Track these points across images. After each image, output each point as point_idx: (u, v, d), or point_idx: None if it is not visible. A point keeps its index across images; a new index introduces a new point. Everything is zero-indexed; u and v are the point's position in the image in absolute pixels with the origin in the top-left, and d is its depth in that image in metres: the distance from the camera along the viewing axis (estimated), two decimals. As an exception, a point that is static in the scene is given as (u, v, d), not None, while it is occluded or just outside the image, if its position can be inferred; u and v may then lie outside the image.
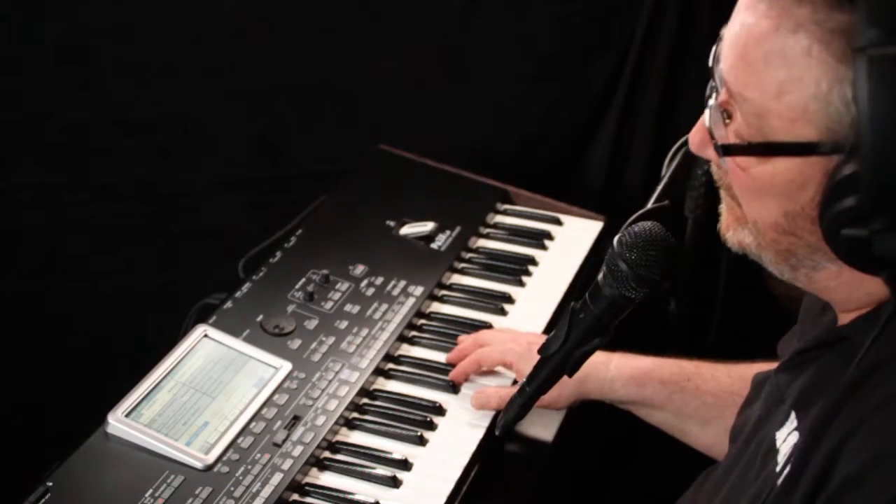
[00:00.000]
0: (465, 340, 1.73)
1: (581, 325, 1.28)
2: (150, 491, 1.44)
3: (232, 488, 1.46)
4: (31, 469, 1.49)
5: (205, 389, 1.59)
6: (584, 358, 1.30)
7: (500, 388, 1.65)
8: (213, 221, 2.40)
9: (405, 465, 1.55)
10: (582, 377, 1.58)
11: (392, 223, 1.99)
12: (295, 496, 1.50)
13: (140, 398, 1.55)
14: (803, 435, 1.05)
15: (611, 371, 1.60)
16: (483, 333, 1.75)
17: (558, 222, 2.07)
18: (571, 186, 2.51)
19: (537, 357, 1.34)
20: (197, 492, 1.45)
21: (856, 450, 0.96)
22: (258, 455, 1.51)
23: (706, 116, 1.10)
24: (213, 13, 2.27)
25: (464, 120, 2.48)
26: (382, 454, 1.57)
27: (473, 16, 2.40)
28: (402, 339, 1.78)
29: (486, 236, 2.04)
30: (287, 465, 1.51)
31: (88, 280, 2.35)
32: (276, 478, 1.48)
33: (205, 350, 1.65)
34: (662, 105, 2.45)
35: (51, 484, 1.43)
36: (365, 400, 1.67)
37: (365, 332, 1.74)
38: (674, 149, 1.67)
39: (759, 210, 1.08)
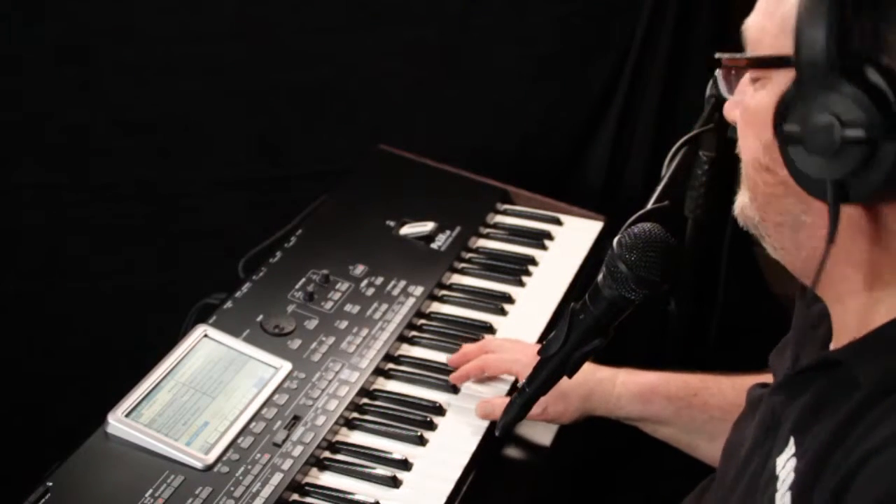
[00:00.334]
0: (469, 347, 1.73)
1: (581, 325, 1.28)
2: (150, 491, 1.44)
3: (232, 488, 1.46)
4: (31, 469, 1.49)
5: (205, 389, 1.59)
6: (584, 359, 1.30)
7: (506, 398, 1.65)
8: (213, 221, 2.40)
9: (405, 465, 1.55)
10: (587, 393, 1.59)
11: (392, 223, 1.99)
12: (295, 496, 1.50)
13: (140, 398, 1.55)
14: (803, 465, 1.04)
15: (617, 388, 1.59)
16: (490, 340, 1.74)
17: (558, 222, 2.07)
18: (571, 186, 2.51)
19: None
20: (197, 492, 1.45)
21: (862, 490, 0.94)
22: (258, 455, 1.51)
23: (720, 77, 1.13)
24: (213, 13, 2.27)
25: (464, 120, 2.48)
26: (382, 454, 1.57)
27: (473, 16, 2.40)
28: (402, 339, 1.78)
29: (486, 236, 2.04)
30: (287, 465, 1.51)
31: (88, 280, 2.35)
32: (276, 478, 1.48)
33: (205, 350, 1.65)
34: (662, 105, 2.45)
35: (51, 484, 1.43)
36: (365, 400, 1.67)
37: (365, 332, 1.74)
38: (674, 149, 1.67)
39: (746, 147, 1.09)
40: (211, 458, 1.49)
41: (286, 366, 1.65)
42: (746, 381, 1.52)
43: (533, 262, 1.97)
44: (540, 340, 1.76)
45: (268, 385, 1.62)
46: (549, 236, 2.03)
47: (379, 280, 1.85)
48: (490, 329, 1.81)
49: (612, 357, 1.57)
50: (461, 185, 2.13)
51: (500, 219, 2.08)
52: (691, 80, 2.41)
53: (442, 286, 1.90)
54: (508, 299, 1.88)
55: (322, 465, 1.55)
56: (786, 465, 1.08)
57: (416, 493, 1.52)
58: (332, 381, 1.65)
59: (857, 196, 0.96)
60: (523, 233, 2.04)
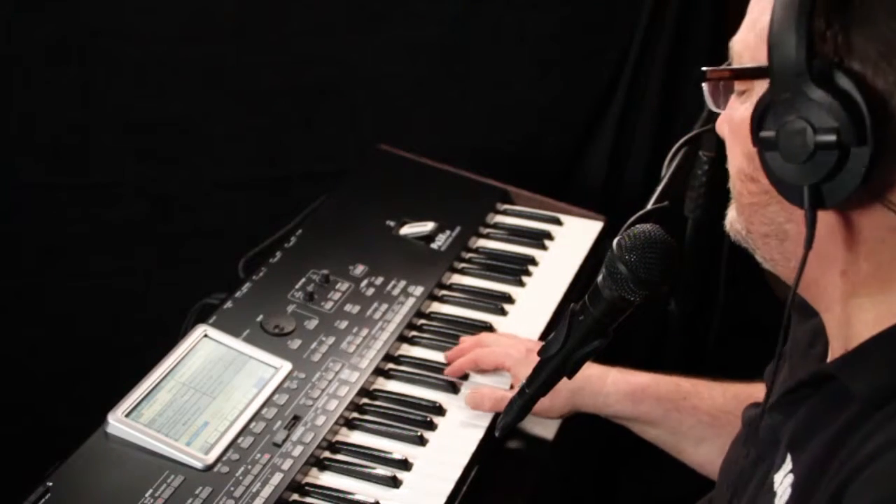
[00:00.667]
0: (466, 340, 1.74)
1: (580, 327, 1.28)
2: (150, 491, 1.44)
3: (232, 488, 1.46)
4: (31, 469, 1.49)
5: (205, 389, 1.59)
6: (584, 360, 1.30)
7: (495, 389, 1.65)
8: (213, 221, 2.40)
9: (405, 465, 1.55)
10: (576, 388, 1.58)
11: (392, 223, 1.99)
12: (295, 496, 1.50)
13: (140, 398, 1.55)
14: (799, 480, 1.04)
15: (607, 386, 1.59)
16: (484, 335, 1.75)
17: (558, 222, 2.07)
18: (571, 186, 2.52)
19: (534, 363, 1.34)
20: (197, 492, 1.45)
21: (856, 499, 0.95)
22: (258, 455, 1.51)
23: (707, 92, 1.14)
24: (213, 13, 2.27)
25: (464, 120, 2.48)
26: (382, 454, 1.57)
27: (473, 16, 2.40)
28: (402, 339, 1.78)
29: (486, 236, 2.04)
30: (287, 465, 1.51)
31: (88, 280, 2.35)
32: (276, 478, 1.48)
33: (205, 350, 1.65)
34: (662, 105, 2.46)
35: (51, 484, 1.42)
36: (365, 400, 1.67)
37: (365, 332, 1.74)
38: (674, 149, 1.67)
39: (732, 159, 1.09)
40: (211, 458, 1.49)
41: (286, 366, 1.65)
42: (738, 389, 1.52)
43: (533, 262, 1.97)
44: (540, 340, 1.76)
45: (268, 385, 1.62)
46: (549, 236, 2.03)
47: (379, 280, 1.85)
48: (490, 329, 1.81)
49: (613, 357, 1.58)
50: (461, 185, 2.13)
51: (500, 219, 2.08)
52: (691, 80, 2.41)
53: (442, 286, 1.90)
54: (508, 299, 1.88)
55: (322, 465, 1.55)
56: (783, 482, 1.08)
57: (416, 493, 1.52)
58: (332, 381, 1.65)
59: (833, 201, 0.96)
60: (523, 233, 2.04)
